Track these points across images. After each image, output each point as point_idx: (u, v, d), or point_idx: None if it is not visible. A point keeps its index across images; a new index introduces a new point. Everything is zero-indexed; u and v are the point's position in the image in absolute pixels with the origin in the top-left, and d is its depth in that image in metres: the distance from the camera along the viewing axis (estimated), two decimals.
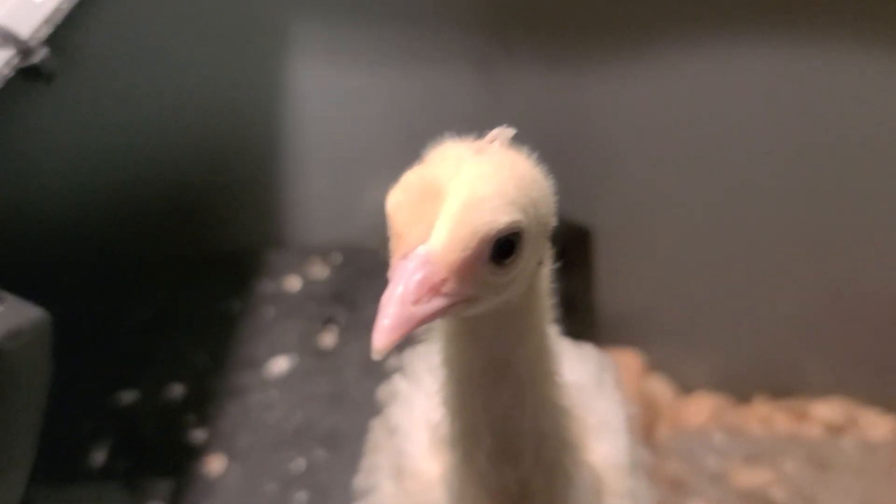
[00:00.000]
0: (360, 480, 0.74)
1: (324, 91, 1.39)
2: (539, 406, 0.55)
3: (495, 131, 0.51)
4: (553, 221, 0.52)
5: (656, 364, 1.71)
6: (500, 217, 0.44)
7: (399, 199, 0.46)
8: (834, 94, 1.37)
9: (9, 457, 0.56)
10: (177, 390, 1.16)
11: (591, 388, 0.73)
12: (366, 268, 1.32)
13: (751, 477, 1.58)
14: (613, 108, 1.39)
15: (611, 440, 0.68)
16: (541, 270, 0.53)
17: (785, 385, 1.74)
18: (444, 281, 0.44)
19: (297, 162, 1.42)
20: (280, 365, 1.18)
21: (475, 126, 1.45)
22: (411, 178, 0.46)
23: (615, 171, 1.46)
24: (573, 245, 1.36)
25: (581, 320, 1.46)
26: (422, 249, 0.44)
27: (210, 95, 1.36)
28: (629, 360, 1.65)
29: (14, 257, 0.63)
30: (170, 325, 1.26)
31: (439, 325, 0.53)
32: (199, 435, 1.10)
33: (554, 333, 0.56)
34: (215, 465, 1.06)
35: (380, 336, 0.42)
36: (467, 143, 0.49)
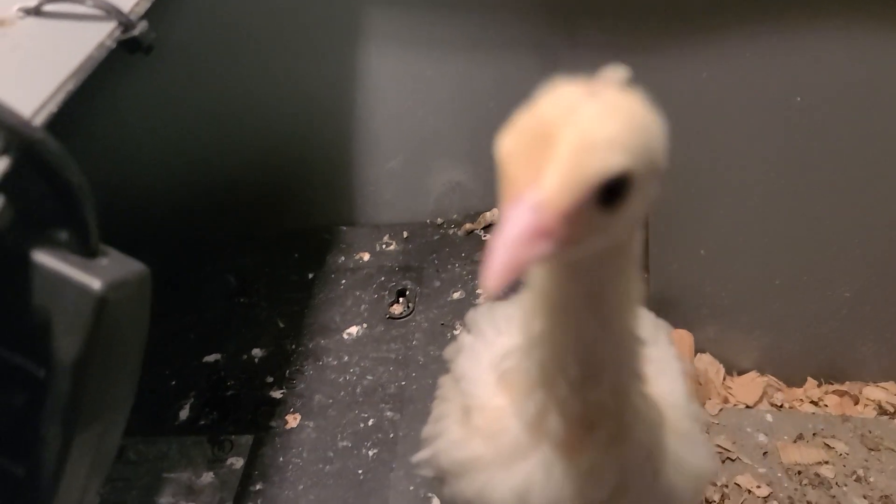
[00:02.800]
0: (428, 429, 0.73)
1: (395, 78, 1.38)
2: (621, 336, 0.53)
3: (609, 72, 0.48)
4: (665, 164, 0.48)
5: (706, 345, 1.67)
6: (610, 163, 0.41)
7: (510, 144, 0.43)
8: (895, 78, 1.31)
9: (113, 397, 0.57)
10: (256, 353, 1.17)
11: (647, 341, 0.71)
12: (432, 243, 1.31)
13: (801, 455, 1.52)
14: (673, 90, 1.35)
15: (669, 384, 0.66)
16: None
17: (837, 370, 1.67)
18: (553, 225, 0.42)
19: (369, 145, 1.42)
20: (352, 331, 1.17)
21: None
22: (522, 122, 0.44)
23: (672, 152, 1.41)
24: None
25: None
26: (532, 194, 0.41)
27: (290, 81, 1.37)
28: (680, 337, 1.60)
29: (110, 223, 0.63)
30: (252, 294, 1.27)
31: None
32: (276, 394, 1.11)
33: (640, 266, 0.54)
34: (292, 421, 1.07)
35: (490, 278, 0.40)
36: (580, 85, 0.46)
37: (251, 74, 1.35)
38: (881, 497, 1.43)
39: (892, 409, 1.58)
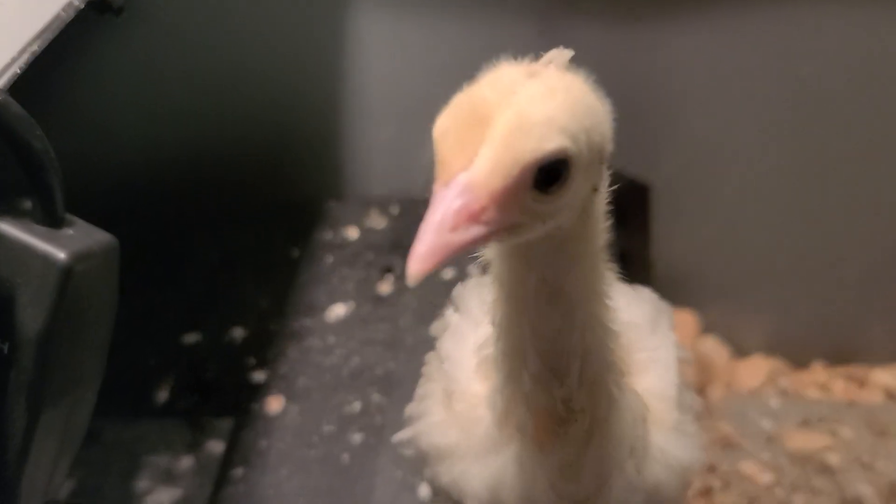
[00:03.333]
0: (412, 408, 0.73)
1: (385, 44, 1.37)
2: (587, 326, 0.53)
3: (551, 53, 0.49)
4: (610, 147, 0.49)
5: (711, 325, 1.67)
6: (545, 144, 0.42)
7: (445, 124, 0.44)
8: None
9: (80, 372, 0.57)
10: (238, 333, 1.17)
11: (645, 327, 0.71)
12: (423, 218, 1.30)
13: (805, 441, 1.53)
14: (676, 62, 1.34)
15: (660, 373, 0.66)
16: (596, 196, 0.51)
17: (844, 351, 1.68)
18: (484, 209, 0.42)
19: (358, 115, 1.41)
20: (338, 311, 1.17)
21: None
22: (460, 102, 0.44)
23: (676, 127, 1.41)
24: (632, 201, 1.32)
25: (637, 277, 1.41)
26: (463, 176, 0.42)
27: (274, 47, 1.35)
28: (684, 319, 1.60)
29: (86, 194, 0.63)
30: (234, 271, 1.27)
31: (493, 246, 0.52)
32: (258, 376, 1.11)
33: (606, 256, 0.55)
34: (274, 405, 1.07)
35: (414, 263, 0.41)
36: (521, 66, 0.47)
37: (233, 41, 1.33)
38: (887, 483, 1.44)
39: None
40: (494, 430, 0.59)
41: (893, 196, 1.47)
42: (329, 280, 1.22)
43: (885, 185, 1.46)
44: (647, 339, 0.70)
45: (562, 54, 0.49)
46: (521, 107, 0.42)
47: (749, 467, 1.48)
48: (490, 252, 0.53)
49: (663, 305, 0.79)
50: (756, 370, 1.66)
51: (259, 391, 1.09)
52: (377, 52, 1.36)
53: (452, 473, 0.63)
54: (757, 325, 1.65)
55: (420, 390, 0.74)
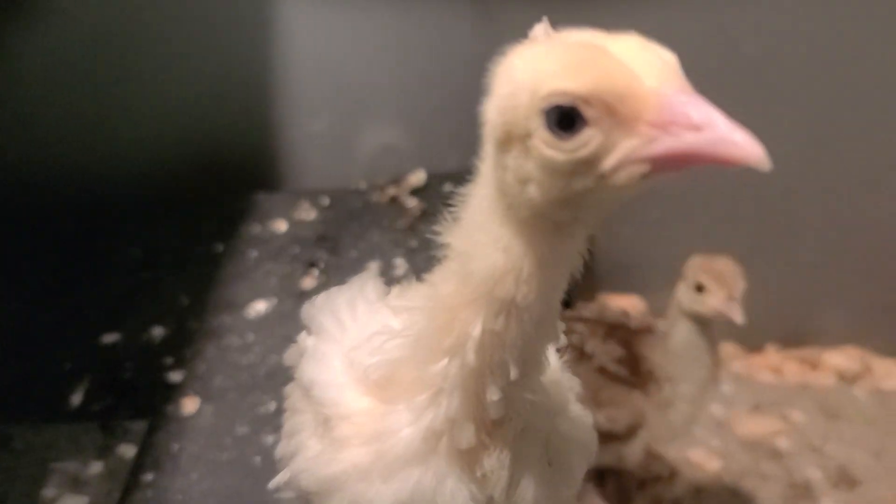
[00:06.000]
0: (281, 447, 0.67)
1: (314, 31, 1.30)
2: (548, 330, 0.51)
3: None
4: None
5: (661, 311, 1.61)
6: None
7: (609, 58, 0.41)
8: (852, 30, 1.23)
9: None
10: (157, 332, 1.11)
11: None
12: (353, 210, 1.24)
13: (756, 426, 1.48)
14: None
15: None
16: None
17: (797, 334, 1.62)
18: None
19: (288, 104, 1.34)
20: (259, 307, 1.11)
21: (475, 65, 1.32)
22: (587, 48, 0.42)
23: None
24: None
25: (581, 268, 1.36)
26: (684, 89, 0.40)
27: (198, 33, 1.29)
28: (632, 306, 1.55)
29: (4, 192, 0.57)
30: (156, 267, 1.20)
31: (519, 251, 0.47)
32: (175, 376, 1.05)
33: None
34: (189, 406, 1.01)
35: (755, 147, 0.38)
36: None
37: (155, 31, 1.26)
38: (837, 467, 1.39)
39: (851, 376, 1.53)
40: (419, 443, 0.53)
41: (845, 179, 1.41)
42: (252, 275, 1.16)
43: (836, 167, 1.40)
44: None
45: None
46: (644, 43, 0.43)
47: (698, 454, 1.43)
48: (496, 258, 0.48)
49: None
50: None
51: (175, 392, 1.03)
52: (306, 39, 1.30)
53: (351, 498, 0.57)
54: None
55: (287, 426, 0.68)
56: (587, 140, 0.40)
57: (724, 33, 1.27)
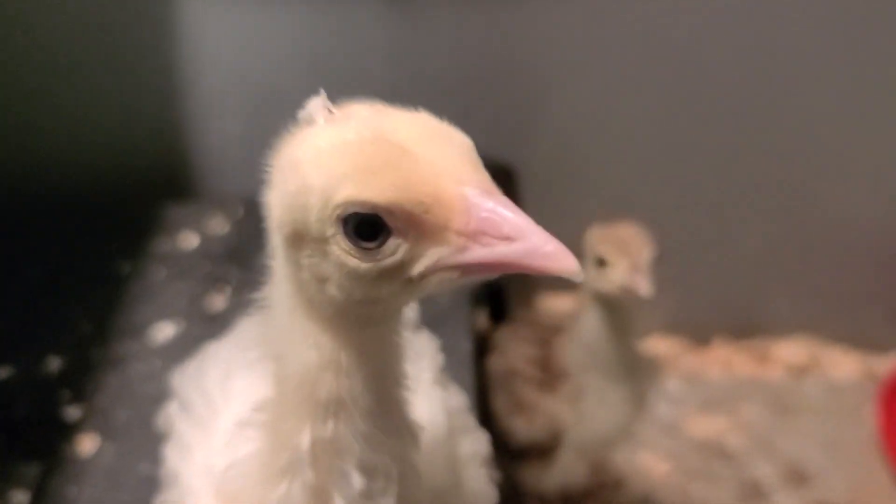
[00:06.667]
0: None
1: (224, 30, 1.21)
2: (399, 397, 0.46)
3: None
4: None
5: None
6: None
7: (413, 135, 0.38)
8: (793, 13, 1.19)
9: None
10: (54, 364, 1.02)
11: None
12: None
13: (706, 425, 1.43)
14: (536, 39, 1.21)
15: (426, 404, 0.58)
16: None
17: (746, 325, 1.58)
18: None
19: (197, 109, 1.25)
20: (165, 331, 1.02)
21: (393, 64, 1.22)
22: (383, 146, 0.37)
23: (540, 104, 1.28)
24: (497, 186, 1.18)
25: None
26: (482, 190, 0.37)
27: (98, 36, 1.19)
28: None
29: None
30: (56, 291, 1.10)
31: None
32: (73, 412, 0.96)
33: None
34: (88, 445, 0.92)
35: (567, 258, 0.36)
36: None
37: (46, 34, 1.16)
38: (786, 462, 1.35)
39: (801, 367, 1.49)
40: None
41: (787, 169, 1.37)
42: (160, 296, 1.07)
43: (778, 156, 1.36)
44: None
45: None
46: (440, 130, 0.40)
47: (647, 458, 1.38)
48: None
49: (421, 343, 0.70)
50: (655, 352, 1.55)
51: (72, 430, 0.94)
52: (214, 40, 1.21)
53: None
54: (654, 305, 1.54)
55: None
56: (393, 250, 0.37)
57: (650, 19, 1.21)
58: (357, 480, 0.43)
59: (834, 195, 1.39)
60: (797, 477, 1.32)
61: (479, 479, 0.58)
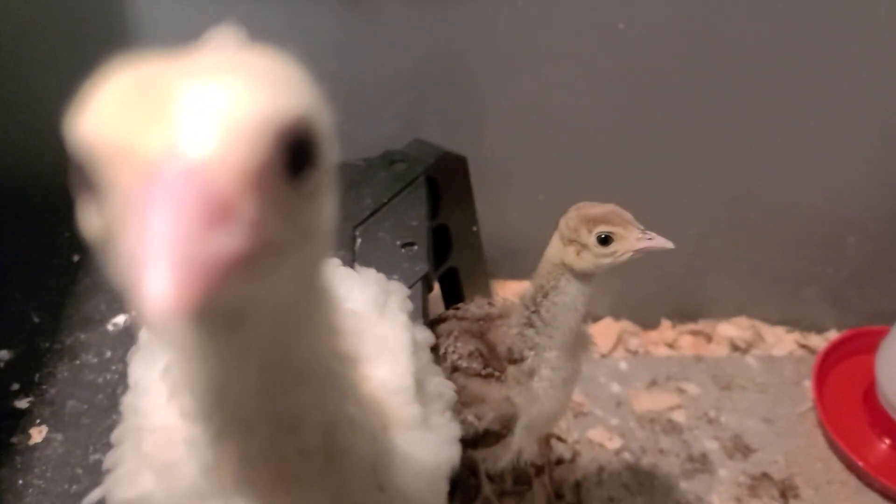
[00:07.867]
0: (108, 458, 0.59)
1: (174, 24, 1.18)
2: (324, 376, 0.42)
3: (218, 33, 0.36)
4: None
5: None
6: (290, 102, 0.30)
7: (107, 107, 0.30)
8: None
9: None
10: (3, 355, 0.99)
11: (372, 314, 0.62)
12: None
13: (653, 402, 1.45)
14: (487, 33, 1.21)
15: (390, 365, 0.55)
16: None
17: (690, 308, 1.61)
18: (236, 200, 0.27)
19: None
20: (118, 321, 1.00)
21: (347, 61, 1.21)
22: (116, 82, 0.31)
23: (492, 96, 1.29)
24: (450, 177, 1.18)
25: (469, 255, 1.30)
26: (178, 159, 0.27)
27: (45, 33, 1.16)
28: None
29: None
30: (5, 285, 1.07)
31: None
32: (21, 404, 0.93)
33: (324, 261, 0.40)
34: (36, 435, 0.90)
35: (163, 294, 0.24)
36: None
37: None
38: (731, 437, 1.38)
39: (743, 346, 1.53)
40: (201, 481, 0.45)
41: (729, 148, 1.39)
42: (112, 287, 1.04)
43: (713, 140, 1.38)
44: (374, 327, 0.60)
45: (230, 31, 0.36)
46: (241, 61, 0.32)
47: (598, 434, 1.40)
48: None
49: (392, 285, 0.69)
50: (606, 334, 1.58)
51: (20, 421, 0.91)
52: (164, 34, 1.18)
53: None
54: (602, 290, 1.56)
55: (116, 433, 0.60)
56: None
57: (597, 14, 1.22)
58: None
59: (773, 181, 1.42)
60: (741, 449, 1.36)
61: (443, 420, 0.58)
